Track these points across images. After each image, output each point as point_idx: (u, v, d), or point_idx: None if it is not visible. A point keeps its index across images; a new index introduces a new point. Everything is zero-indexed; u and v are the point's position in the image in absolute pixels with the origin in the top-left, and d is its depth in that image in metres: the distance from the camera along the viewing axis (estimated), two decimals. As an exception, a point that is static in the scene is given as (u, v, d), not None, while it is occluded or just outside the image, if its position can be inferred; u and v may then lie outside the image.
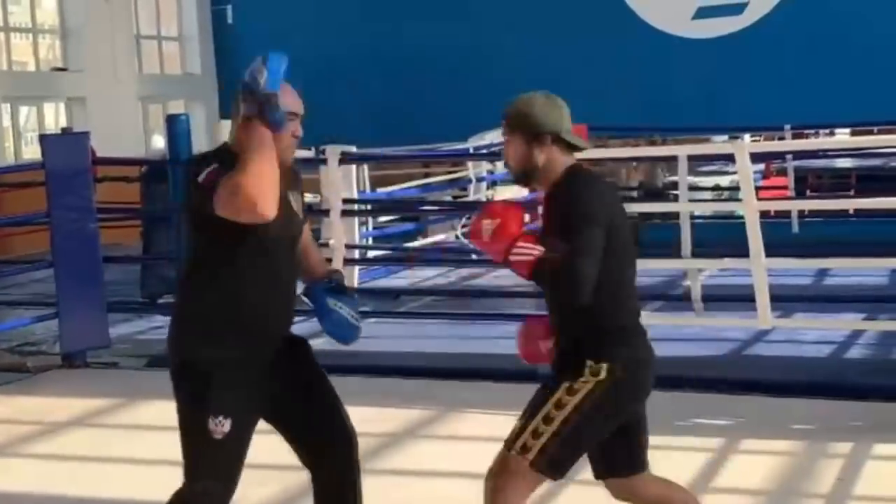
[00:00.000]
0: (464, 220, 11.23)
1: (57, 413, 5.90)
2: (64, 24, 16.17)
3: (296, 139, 3.05)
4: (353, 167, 8.83)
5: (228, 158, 2.86)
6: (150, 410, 5.67)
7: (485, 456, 4.88)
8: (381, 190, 10.65)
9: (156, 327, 7.82)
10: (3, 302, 8.95)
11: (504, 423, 5.30)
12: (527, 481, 2.97)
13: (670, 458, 4.79)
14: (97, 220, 7.13)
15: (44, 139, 7.42)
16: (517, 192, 11.94)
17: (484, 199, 11.38)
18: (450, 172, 12.81)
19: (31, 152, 15.53)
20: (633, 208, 12.51)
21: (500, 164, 11.67)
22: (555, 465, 2.99)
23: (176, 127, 7.54)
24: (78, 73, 15.93)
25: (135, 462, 4.90)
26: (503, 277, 9.61)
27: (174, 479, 3.03)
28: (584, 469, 3.27)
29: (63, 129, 10.74)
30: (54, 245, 7.01)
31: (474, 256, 9.84)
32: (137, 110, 17.01)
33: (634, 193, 14.34)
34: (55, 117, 16.45)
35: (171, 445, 4.91)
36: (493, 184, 11.77)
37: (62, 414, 5.88)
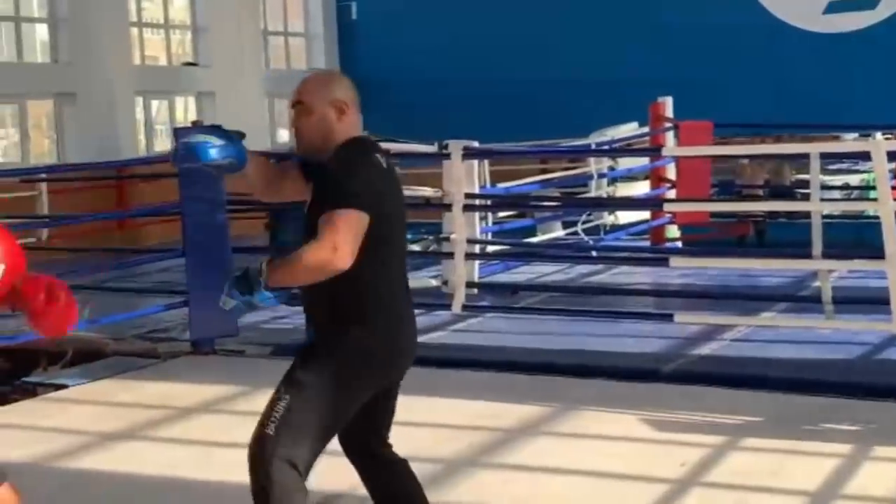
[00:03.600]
0: (584, 217, 11.15)
1: (185, 399, 6.07)
2: (194, 20, 16.62)
3: (291, 129, 3.23)
4: (475, 162, 8.84)
5: None
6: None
7: (601, 454, 4.88)
8: (500, 185, 10.63)
9: (280, 317, 7.97)
10: (136, 289, 9.24)
11: (620, 422, 5.30)
12: None
13: (798, 462, 4.70)
14: (227, 211, 7.31)
15: (177, 132, 7.61)
16: (639, 189, 11.83)
17: (605, 196, 11.28)
18: (567, 169, 12.72)
19: (161, 145, 16.01)
20: (761, 207, 12.32)
21: (621, 161, 11.55)
22: None
23: (302, 121, 7.65)
24: (207, 67, 16.36)
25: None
26: (622, 275, 9.53)
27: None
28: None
29: (193, 123, 11.02)
30: (186, 235, 7.21)
31: (594, 253, 9.77)
32: (264, 104, 17.38)
33: (761, 191, 14.05)
34: (184, 111, 16.92)
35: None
36: (613, 181, 11.65)
37: (190, 400, 6.04)
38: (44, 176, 11.92)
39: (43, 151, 15.00)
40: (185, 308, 7.27)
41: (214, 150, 3.13)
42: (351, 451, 3.30)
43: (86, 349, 7.35)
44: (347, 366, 3.06)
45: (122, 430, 5.52)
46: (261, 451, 3.02)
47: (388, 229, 3.08)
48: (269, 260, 3.01)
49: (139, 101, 15.82)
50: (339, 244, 2.93)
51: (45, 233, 11.42)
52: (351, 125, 3.18)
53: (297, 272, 2.98)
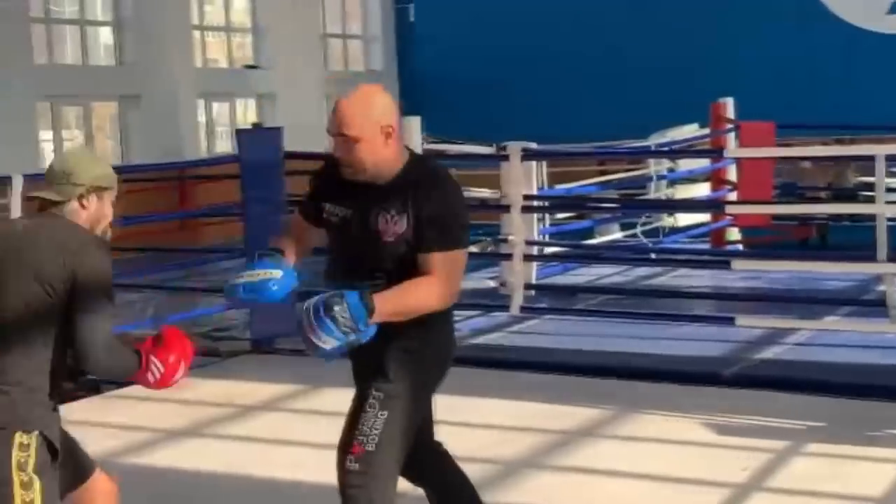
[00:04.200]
0: (643, 219, 11.08)
1: (246, 397, 6.13)
2: (255, 23, 16.79)
3: (338, 157, 3.02)
4: (534, 164, 8.82)
5: None
6: (332, 397, 5.78)
7: (661, 458, 4.85)
8: (558, 187, 10.61)
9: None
10: (197, 289, 9.35)
11: (681, 426, 5.26)
12: None
13: (860, 468, 4.63)
14: (287, 212, 7.37)
15: (239, 134, 7.71)
16: (699, 191, 11.73)
17: (664, 197, 11.21)
18: (626, 170, 12.65)
19: (222, 146, 16.19)
20: (823, 209, 12.13)
21: (681, 162, 11.46)
22: None
23: (361, 122, 7.70)
24: (267, 70, 16.51)
25: (315, 447, 5.04)
26: (681, 277, 9.46)
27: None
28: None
29: (254, 125, 11.14)
30: (247, 235, 7.28)
31: (653, 256, 9.70)
32: (322, 106, 17.50)
33: (823, 194, 13.84)
34: (244, 113, 17.10)
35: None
36: (672, 182, 11.57)
37: (250, 398, 6.10)
38: (108, 176, 12.10)
39: (107, 152, 15.24)
40: (245, 307, 7.33)
41: (276, 286, 3.03)
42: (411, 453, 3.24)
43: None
44: (429, 370, 3.11)
45: (184, 427, 5.60)
46: (364, 469, 2.98)
47: None
48: (371, 293, 2.88)
49: (201, 103, 16.01)
50: (455, 286, 3.00)
51: (108, 233, 11.60)
52: (399, 144, 3.03)
53: (409, 308, 2.95)
